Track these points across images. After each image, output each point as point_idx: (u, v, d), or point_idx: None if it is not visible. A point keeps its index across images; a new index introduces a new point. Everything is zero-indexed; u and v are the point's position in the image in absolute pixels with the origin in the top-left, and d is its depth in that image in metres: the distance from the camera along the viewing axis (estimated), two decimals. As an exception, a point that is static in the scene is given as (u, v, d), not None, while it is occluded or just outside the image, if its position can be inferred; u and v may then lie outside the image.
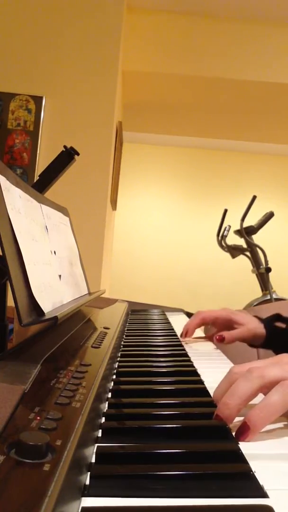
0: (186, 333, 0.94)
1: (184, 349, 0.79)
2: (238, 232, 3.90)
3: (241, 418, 0.42)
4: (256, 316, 0.94)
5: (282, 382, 0.42)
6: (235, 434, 0.41)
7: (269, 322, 0.91)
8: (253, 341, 0.92)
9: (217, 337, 0.88)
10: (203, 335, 1.03)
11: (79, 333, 0.71)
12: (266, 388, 0.43)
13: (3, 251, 0.51)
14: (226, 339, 0.88)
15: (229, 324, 0.93)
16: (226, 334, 0.88)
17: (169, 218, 5.68)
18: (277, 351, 0.90)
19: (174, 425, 0.42)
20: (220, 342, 0.89)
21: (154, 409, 0.47)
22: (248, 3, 3.03)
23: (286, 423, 0.45)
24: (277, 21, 3.18)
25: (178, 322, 1.03)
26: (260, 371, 0.44)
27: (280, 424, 0.45)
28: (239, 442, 0.40)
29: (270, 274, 3.85)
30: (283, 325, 0.90)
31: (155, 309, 1.41)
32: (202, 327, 1.04)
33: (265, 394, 0.43)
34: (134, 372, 0.63)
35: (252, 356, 1.18)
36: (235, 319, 0.91)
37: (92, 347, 0.63)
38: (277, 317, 0.91)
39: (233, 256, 4.03)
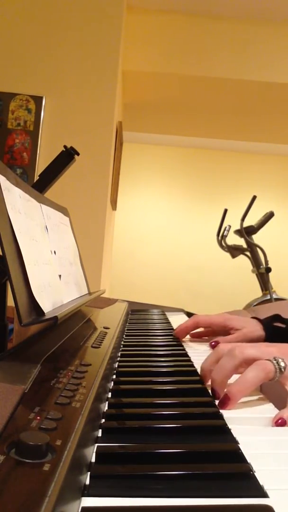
0: (181, 337, 0.93)
1: (184, 349, 0.79)
2: (238, 232, 3.90)
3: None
4: (254, 317, 0.93)
5: (257, 362, 0.50)
6: (218, 403, 0.49)
7: (268, 323, 0.90)
8: (255, 341, 0.91)
9: (212, 344, 0.88)
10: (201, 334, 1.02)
11: (79, 333, 0.71)
12: (246, 364, 0.52)
13: (3, 251, 0.51)
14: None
15: (224, 330, 0.92)
16: (221, 340, 0.87)
17: (169, 218, 5.68)
18: None
19: (174, 425, 0.42)
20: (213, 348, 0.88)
21: (154, 409, 0.47)
22: (248, 3, 3.03)
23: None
24: (277, 21, 3.18)
25: (178, 322, 1.03)
26: (241, 349, 0.53)
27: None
28: (238, 444, 0.40)
29: (270, 274, 3.85)
30: (282, 325, 0.90)
31: (155, 309, 1.41)
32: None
33: (241, 372, 0.51)
34: (134, 372, 0.63)
35: None
36: (231, 325, 0.90)
37: (92, 347, 0.63)
38: (276, 317, 0.91)
39: (233, 256, 4.03)
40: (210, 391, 0.53)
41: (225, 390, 0.50)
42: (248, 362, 0.52)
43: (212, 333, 0.97)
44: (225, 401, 0.49)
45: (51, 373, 0.45)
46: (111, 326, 0.85)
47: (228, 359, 0.53)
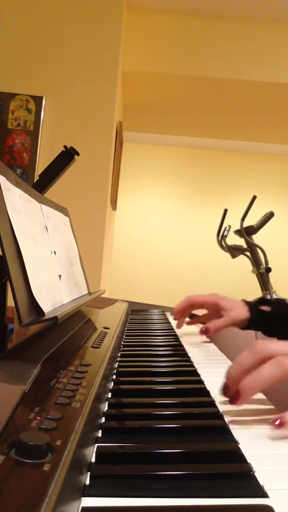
0: (179, 318, 0.99)
1: (184, 349, 0.79)
2: (238, 232, 3.89)
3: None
4: (243, 300, 0.97)
5: (274, 358, 0.47)
6: (229, 400, 0.46)
7: (254, 305, 0.94)
8: (239, 326, 0.94)
9: (202, 330, 0.92)
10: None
11: (79, 333, 0.71)
12: (268, 360, 0.48)
13: (3, 251, 0.51)
14: (211, 330, 0.91)
15: (216, 308, 0.96)
16: (210, 325, 0.91)
17: (169, 218, 5.68)
18: (267, 333, 0.94)
19: (174, 425, 0.42)
20: (205, 334, 0.92)
21: (154, 409, 0.47)
22: (248, 3, 3.03)
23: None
24: (277, 21, 3.18)
25: (178, 322, 1.03)
26: (263, 346, 0.49)
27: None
28: (238, 444, 0.40)
29: (270, 274, 3.85)
30: (268, 308, 0.93)
31: (155, 309, 1.41)
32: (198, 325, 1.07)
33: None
34: (134, 372, 0.63)
35: (249, 338, 1.21)
36: (221, 304, 0.95)
37: (92, 347, 0.63)
38: (262, 300, 0.95)
39: (233, 256, 4.02)
40: (222, 408, 0.48)
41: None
42: (270, 359, 0.48)
43: (207, 318, 1.02)
44: (237, 397, 0.46)
45: (51, 373, 0.45)
46: (111, 326, 0.85)
47: (248, 354, 0.50)
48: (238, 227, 3.85)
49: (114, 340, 0.72)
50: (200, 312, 1.07)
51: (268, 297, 3.78)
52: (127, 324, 1.07)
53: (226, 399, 0.48)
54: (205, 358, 0.77)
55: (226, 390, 0.48)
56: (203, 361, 0.73)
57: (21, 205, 0.63)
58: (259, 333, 1.02)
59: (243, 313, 0.92)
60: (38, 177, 0.96)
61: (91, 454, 0.36)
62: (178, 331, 0.99)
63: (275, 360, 0.46)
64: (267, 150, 5.48)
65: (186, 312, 1.01)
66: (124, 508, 0.29)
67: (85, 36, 2.62)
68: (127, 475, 0.33)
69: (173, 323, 1.12)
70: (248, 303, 0.95)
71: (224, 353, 0.85)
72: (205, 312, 1.04)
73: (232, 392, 0.47)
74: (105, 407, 0.47)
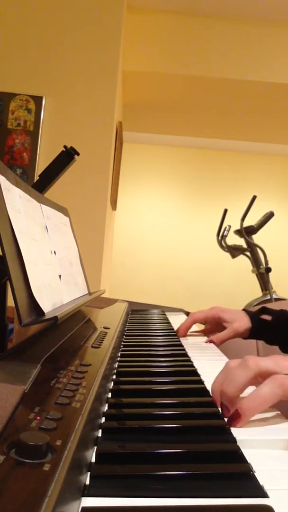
0: (180, 333, 1.00)
1: (184, 349, 0.79)
2: (238, 232, 3.90)
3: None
4: (244, 310, 0.98)
5: (273, 376, 0.45)
6: (228, 420, 0.44)
7: (255, 315, 0.95)
8: (242, 336, 0.96)
9: (207, 342, 0.93)
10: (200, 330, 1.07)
11: (79, 333, 0.71)
12: (261, 377, 0.47)
13: (3, 251, 0.51)
14: (215, 342, 0.93)
15: (218, 321, 0.98)
16: (214, 338, 0.93)
17: (169, 218, 5.68)
18: (269, 342, 0.96)
19: (174, 425, 0.42)
20: None
21: (154, 409, 0.47)
22: (248, 3, 3.03)
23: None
24: (277, 21, 3.18)
25: (178, 322, 1.03)
26: (256, 361, 0.48)
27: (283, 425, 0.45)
28: (236, 439, 0.40)
29: (270, 274, 3.85)
30: (269, 318, 0.94)
31: (155, 309, 1.41)
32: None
33: (257, 385, 0.46)
34: (134, 372, 0.63)
35: (251, 347, 1.23)
36: (223, 317, 0.96)
37: (92, 347, 0.63)
38: (263, 310, 0.96)
39: (233, 256, 4.03)
40: (219, 407, 0.47)
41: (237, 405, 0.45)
42: (263, 376, 0.47)
43: (209, 330, 1.03)
44: (236, 417, 0.44)
45: (51, 373, 0.45)
46: (111, 326, 0.85)
47: (241, 371, 0.48)
48: (238, 227, 3.85)
49: (114, 340, 0.72)
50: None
51: (268, 297, 3.78)
52: (127, 324, 1.07)
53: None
54: (205, 358, 0.77)
55: (225, 411, 0.46)
56: (203, 361, 0.73)
57: (21, 205, 0.63)
58: (261, 342, 1.03)
59: (245, 323, 0.93)
60: (38, 177, 0.96)
61: (91, 454, 0.36)
62: None
63: (273, 380, 0.45)
64: (267, 150, 5.49)
65: (189, 329, 1.02)
66: (124, 508, 0.29)
67: (85, 36, 2.62)
68: (127, 475, 0.33)
69: (173, 323, 1.12)
70: (249, 313, 0.96)
71: (225, 354, 0.85)
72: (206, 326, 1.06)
73: (230, 411, 0.45)
74: (105, 407, 0.47)
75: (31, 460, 0.26)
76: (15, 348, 0.53)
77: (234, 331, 0.93)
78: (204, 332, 1.05)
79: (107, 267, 3.17)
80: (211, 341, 0.93)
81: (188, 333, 1.01)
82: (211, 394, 0.51)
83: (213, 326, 1.02)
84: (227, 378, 0.48)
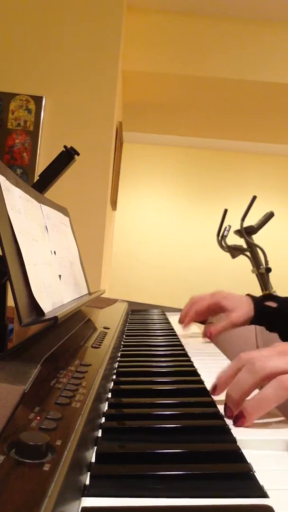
0: (184, 321, 0.98)
1: (184, 349, 0.79)
2: (238, 232, 3.89)
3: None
4: (248, 295, 0.95)
5: (278, 377, 0.44)
6: (233, 420, 0.44)
7: (259, 302, 0.92)
8: (241, 326, 0.94)
9: (206, 334, 0.92)
10: (200, 331, 1.06)
11: (79, 333, 0.71)
12: (268, 379, 0.46)
13: (3, 251, 0.51)
14: (212, 334, 0.91)
15: (219, 309, 0.95)
16: (212, 330, 0.91)
17: (169, 218, 5.68)
18: (269, 329, 0.93)
19: (174, 425, 0.42)
20: (207, 338, 0.92)
21: (154, 409, 0.47)
22: (248, 3, 3.03)
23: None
24: (276, 21, 3.18)
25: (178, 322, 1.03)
26: (263, 363, 0.47)
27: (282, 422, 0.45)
28: (237, 439, 0.40)
29: (270, 274, 3.85)
30: (274, 304, 0.92)
31: (155, 309, 1.41)
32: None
33: (263, 385, 0.46)
34: (134, 372, 0.63)
35: (249, 331, 1.20)
36: (223, 304, 0.93)
37: (92, 347, 0.63)
38: (268, 296, 0.94)
39: (233, 256, 4.02)
40: (222, 408, 0.47)
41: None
42: (270, 377, 0.46)
43: (209, 313, 1.01)
44: (240, 418, 0.44)
45: (51, 373, 0.45)
46: (111, 326, 0.85)
47: (247, 375, 0.47)
48: (238, 227, 3.85)
49: (114, 340, 0.72)
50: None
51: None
52: (127, 324, 1.07)
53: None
54: (205, 358, 0.77)
55: (228, 412, 0.47)
56: (203, 360, 0.73)
57: (21, 205, 0.63)
58: (260, 329, 1.02)
59: (246, 313, 0.91)
60: (38, 177, 0.95)
61: (91, 454, 0.36)
62: (178, 331, 1.00)
63: (280, 382, 0.44)
64: (267, 150, 5.48)
65: (192, 316, 0.99)
66: (124, 508, 0.29)
67: (85, 36, 2.62)
68: (127, 475, 0.33)
69: (173, 323, 1.12)
70: (253, 298, 0.94)
71: (224, 351, 0.85)
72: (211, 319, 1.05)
73: (235, 413, 0.45)
74: (105, 407, 0.47)
75: (31, 460, 0.26)
76: (15, 348, 0.53)
77: (231, 323, 0.90)
78: (202, 318, 1.03)
79: (107, 267, 3.17)
80: (208, 336, 0.91)
81: (188, 333, 1.00)
82: (216, 382, 0.51)
83: (215, 315, 0.99)
84: (234, 381, 0.48)
